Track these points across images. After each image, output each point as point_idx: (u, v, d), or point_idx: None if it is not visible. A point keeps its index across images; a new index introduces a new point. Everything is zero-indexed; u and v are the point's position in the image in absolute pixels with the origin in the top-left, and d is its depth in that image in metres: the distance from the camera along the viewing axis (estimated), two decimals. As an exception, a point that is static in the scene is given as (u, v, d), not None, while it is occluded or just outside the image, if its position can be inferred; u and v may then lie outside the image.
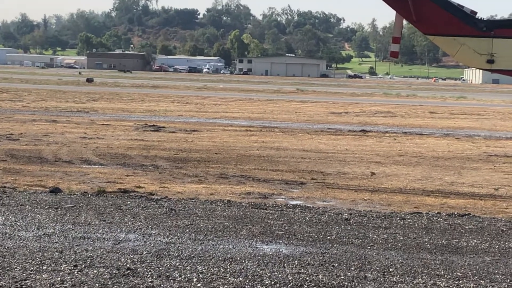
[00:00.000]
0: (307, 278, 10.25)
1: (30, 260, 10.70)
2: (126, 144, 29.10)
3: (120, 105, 56.40)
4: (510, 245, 12.94)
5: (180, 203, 16.10)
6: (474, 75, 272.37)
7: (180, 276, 10.16)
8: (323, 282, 10.07)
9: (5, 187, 17.62)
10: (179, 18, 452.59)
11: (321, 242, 12.56)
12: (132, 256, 11.12)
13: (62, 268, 10.34)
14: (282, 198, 17.97)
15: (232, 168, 23.14)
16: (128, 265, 10.58)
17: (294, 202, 17.27)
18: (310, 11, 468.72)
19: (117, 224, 13.48)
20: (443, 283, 10.24)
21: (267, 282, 10.00)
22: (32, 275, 9.99)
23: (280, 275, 10.35)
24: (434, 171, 24.00)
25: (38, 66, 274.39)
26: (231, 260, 11.12)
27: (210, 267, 10.67)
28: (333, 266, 10.96)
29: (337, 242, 12.61)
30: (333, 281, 10.13)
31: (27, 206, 14.96)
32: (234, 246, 12.03)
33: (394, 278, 10.41)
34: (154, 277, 10.08)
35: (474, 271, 10.97)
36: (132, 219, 14.04)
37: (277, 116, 50.01)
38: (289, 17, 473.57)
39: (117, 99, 64.98)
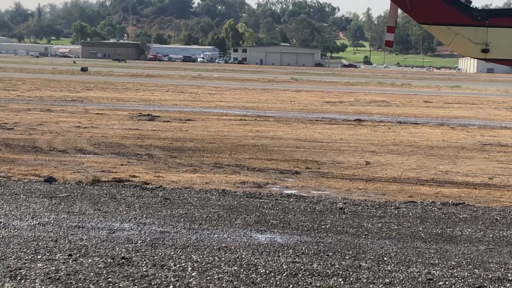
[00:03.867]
0: (301, 267, 10.26)
1: (25, 249, 10.69)
2: (120, 133, 29.08)
3: (114, 94, 56.33)
4: (504, 234, 12.97)
5: (175, 192, 16.10)
6: (468, 64, 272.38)
7: (175, 265, 10.17)
8: (317, 271, 10.08)
9: (-1, 176, 17.60)
10: (174, 7, 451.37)
11: (316, 231, 12.57)
12: (127, 245, 11.11)
13: (57, 257, 10.33)
14: (277, 187, 17.99)
15: (226, 157, 23.15)
16: (123, 254, 10.58)
17: (288, 191, 17.28)
18: (305, 0, 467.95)
19: (111, 214, 13.47)
20: (438, 272, 10.26)
21: (261, 271, 10.01)
22: (26, 264, 9.98)
23: (274, 264, 10.36)
24: (428, 160, 24.04)
25: (33, 55, 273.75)
26: (225, 249, 11.12)
27: (204, 256, 10.68)
28: (327, 255, 10.97)
29: (331, 231, 12.62)
30: (328, 270, 10.15)
31: (21, 196, 14.93)
32: (229, 235, 12.03)
33: (389, 267, 10.42)
34: (149, 266, 10.08)
35: (469, 260, 10.99)
36: (126, 208, 14.03)
37: (271, 105, 49.98)
38: (284, 6, 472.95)
39: (111, 88, 64.86)
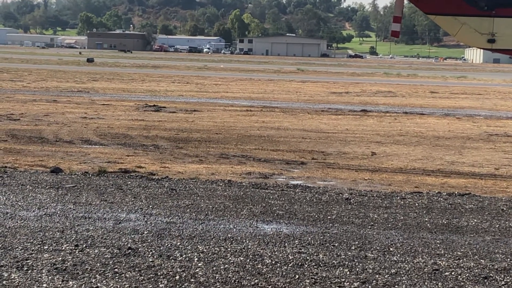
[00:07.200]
0: (307, 257, 10.28)
1: (31, 240, 10.72)
2: (126, 124, 29.10)
3: (120, 85, 56.32)
4: (510, 224, 12.96)
5: (181, 183, 16.12)
6: (475, 55, 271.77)
7: (181, 255, 10.19)
8: (323, 262, 10.10)
9: (6, 167, 17.64)
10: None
11: (322, 222, 12.58)
12: (133, 236, 11.14)
13: (63, 248, 10.37)
14: (283, 178, 17.99)
15: (232, 148, 23.15)
16: (129, 245, 10.60)
17: (294, 182, 17.28)
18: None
19: (118, 204, 13.50)
20: (444, 263, 10.27)
21: (267, 262, 10.03)
22: (33, 254, 10.02)
23: (280, 255, 10.37)
24: (434, 151, 24.01)
25: (39, 46, 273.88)
26: (231, 239, 11.14)
27: (211, 246, 10.70)
28: (333, 245, 10.98)
29: (337, 222, 12.63)
30: (334, 261, 10.16)
31: (28, 186, 14.97)
32: (235, 226, 12.05)
33: (395, 258, 10.43)
34: (155, 256, 10.11)
35: (475, 251, 10.99)
36: (133, 199, 14.06)
37: (277, 96, 49.94)
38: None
39: (117, 79, 64.87)
